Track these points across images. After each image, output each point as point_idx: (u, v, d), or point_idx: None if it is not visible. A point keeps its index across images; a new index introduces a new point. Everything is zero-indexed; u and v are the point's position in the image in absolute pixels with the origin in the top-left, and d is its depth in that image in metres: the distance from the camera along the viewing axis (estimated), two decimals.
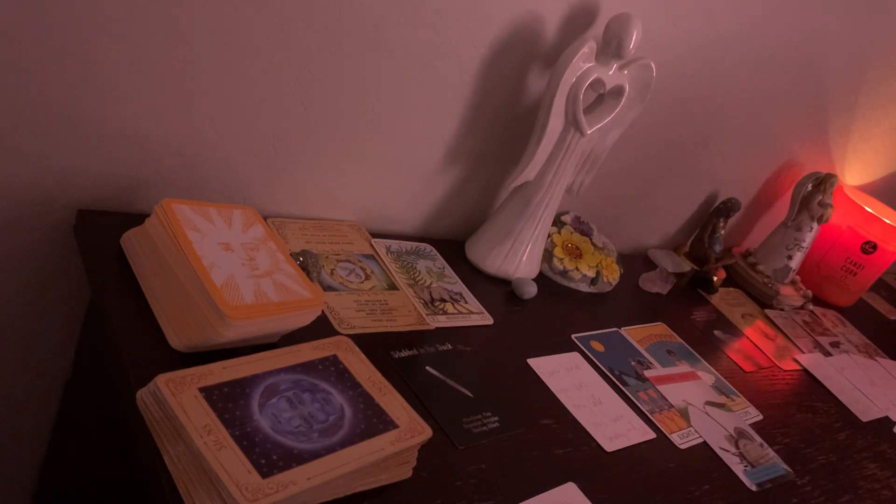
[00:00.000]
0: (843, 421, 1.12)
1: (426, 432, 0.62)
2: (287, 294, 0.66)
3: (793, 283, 1.46)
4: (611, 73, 0.92)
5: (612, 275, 1.12)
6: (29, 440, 0.89)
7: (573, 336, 0.98)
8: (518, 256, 1.01)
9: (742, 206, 1.37)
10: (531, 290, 1.00)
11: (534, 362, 0.88)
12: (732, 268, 1.45)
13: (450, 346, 0.83)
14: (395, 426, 0.61)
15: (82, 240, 0.72)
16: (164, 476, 0.53)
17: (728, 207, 1.35)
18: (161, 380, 0.55)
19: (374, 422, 0.60)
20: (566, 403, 0.84)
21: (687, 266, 1.34)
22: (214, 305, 0.60)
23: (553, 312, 1.01)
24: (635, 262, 1.27)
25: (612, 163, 1.14)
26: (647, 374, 0.97)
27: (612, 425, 0.84)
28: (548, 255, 1.08)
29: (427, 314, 0.86)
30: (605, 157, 1.02)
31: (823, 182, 1.38)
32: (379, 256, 0.92)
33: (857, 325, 1.52)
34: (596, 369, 0.93)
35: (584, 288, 1.09)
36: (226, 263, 0.65)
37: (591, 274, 1.09)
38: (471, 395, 0.78)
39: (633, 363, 0.98)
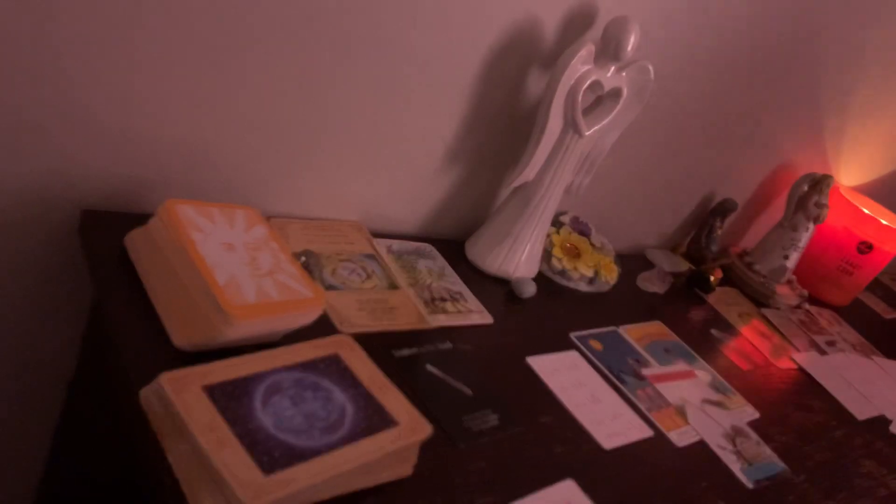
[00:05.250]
0: (839, 419, 1.12)
1: (426, 430, 0.62)
2: (289, 293, 0.66)
3: (789, 282, 1.47)
4: (609, 75, 0.93)
5: (611, 274, 1.13)
6: (32, 439, 0.90)
7: (572, 335, 0.98)
8: (517, 256, 1.01)
9: (739, 206, 1.38)
10: (530, 290, 1.00)
11: (533, 361, 0.89)
12: (729, 267, 1.46)
13: (450, 345, 0.84)
14: (396, 424, 0.61)
15: (86, 240, 0.72)
16: (167, 474, 0.53)
17: (725, 208, 1.35)
18: (164, 378, 0.55)
19: (374, 420, 0.61)
20: (565, 402, 0.84)
21: (684, 266, 1.34)
22: (217, 305, 0.61)
23: (552, 312, 1.02)
24: (633, 261, 1.27)
25: (611, 163, 1.14)
26: (644, 372, 0.98)
27: (611, 423, 0.85)
28: (547, 255, 1.08)
29: (427, 313, 0.87)
30: (604, 157, 1.02)
31: (819, 182, 1.39)
32: (380, 256, 0.93)
33: (852, 325, 1.52)
34: (594, 368, 0.94)
35: (582, 287, 1.10)
36: (228, 263, 0.65)
37: (590, 273, 1.10)
38: (471, 393, 0.78)
39: (631, 362, 0.99)
